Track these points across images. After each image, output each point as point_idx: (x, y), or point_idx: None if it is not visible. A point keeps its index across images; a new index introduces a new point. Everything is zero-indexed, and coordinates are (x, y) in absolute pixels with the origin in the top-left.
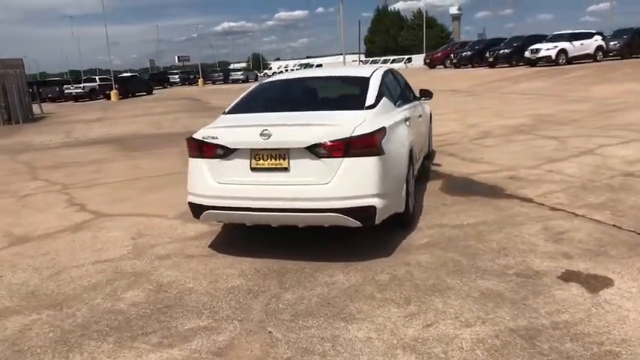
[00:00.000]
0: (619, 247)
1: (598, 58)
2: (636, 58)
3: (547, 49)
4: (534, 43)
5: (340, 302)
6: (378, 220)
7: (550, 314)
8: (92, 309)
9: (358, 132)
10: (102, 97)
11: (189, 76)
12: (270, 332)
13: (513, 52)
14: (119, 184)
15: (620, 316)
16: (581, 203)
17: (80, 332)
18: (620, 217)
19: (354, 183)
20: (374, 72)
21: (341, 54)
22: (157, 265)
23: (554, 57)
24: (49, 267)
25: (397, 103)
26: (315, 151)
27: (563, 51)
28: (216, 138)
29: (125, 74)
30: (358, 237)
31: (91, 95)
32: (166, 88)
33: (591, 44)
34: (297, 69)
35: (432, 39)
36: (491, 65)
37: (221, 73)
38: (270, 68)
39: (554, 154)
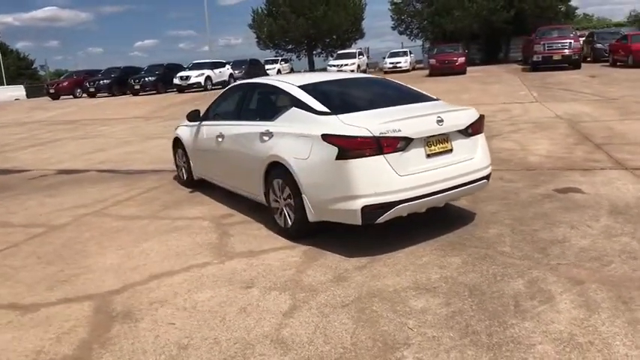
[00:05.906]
0: (542, 176)
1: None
2: None
3: (196, 76)
4: (187, 71)
5: (538, 249)
6: None
7: (600, 208)
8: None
9: (478, 114)
10: None
11: None
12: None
13: (158, 80)
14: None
15: (617, 196)
16: None
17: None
18: (509, 166)
19: (485, 154)
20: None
21: None
22: (365, 287)
23: (203, 83)
24: (235, 356)
25: None
26: (466, 131)
27: (209, 77)
28: (400, 131)
29: None
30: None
31: None
32: None
33: (226, 72)
34: None
35: (10, 67)
36: (135, 93)
37: None
38: None
39: None
